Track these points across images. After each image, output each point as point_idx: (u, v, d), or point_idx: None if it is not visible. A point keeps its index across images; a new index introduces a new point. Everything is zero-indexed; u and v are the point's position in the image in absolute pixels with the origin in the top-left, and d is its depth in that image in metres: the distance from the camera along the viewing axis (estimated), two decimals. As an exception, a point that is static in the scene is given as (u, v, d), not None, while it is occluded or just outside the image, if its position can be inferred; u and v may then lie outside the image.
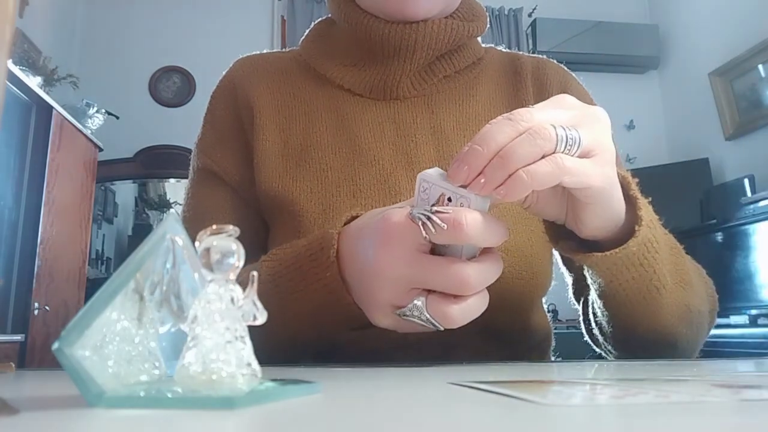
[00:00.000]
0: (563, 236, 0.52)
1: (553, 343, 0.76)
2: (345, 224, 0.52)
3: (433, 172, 0.43)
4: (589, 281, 0.56)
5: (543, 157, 0.40)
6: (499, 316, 0.63)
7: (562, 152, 0.41)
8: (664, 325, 0.57)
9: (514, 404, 0.25)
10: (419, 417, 0.23)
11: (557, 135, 0.40)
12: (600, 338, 0.66)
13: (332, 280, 0.49)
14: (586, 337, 0.71)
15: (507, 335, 0.65)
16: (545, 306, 0.75)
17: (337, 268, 0.49)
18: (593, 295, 0.59)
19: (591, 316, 0.66)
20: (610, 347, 0.65)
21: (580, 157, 0.42)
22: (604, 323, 0.61)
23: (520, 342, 0.68)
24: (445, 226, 0.40)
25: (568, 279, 0.74)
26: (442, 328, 0.44)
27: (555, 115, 0.42)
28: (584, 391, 0.27)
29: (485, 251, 0.44)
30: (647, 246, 0.50)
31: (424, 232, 0.41)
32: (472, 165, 0.40)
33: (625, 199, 0.49)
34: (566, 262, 0.74)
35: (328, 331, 0.56)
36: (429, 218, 0.41)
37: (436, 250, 0.44)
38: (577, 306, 0.73)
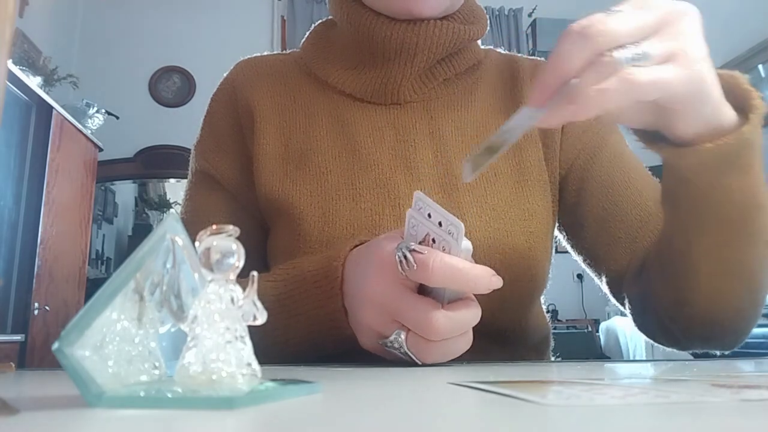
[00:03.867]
0: (654, 140, 0.49)
1: (553, 343, 0.76)
2: (351, 249, 0.54)
3: (423, 206, 0.45)
4: (669, 210, 0.53)
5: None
6: (499, 317, 0.63)
7: (630, 61, 0.39)
8: (754, 257, 0.53)
9: (514, 404, 0.25)
10: (419, 417, 0.23)
11: (620, 60, 0.39)
12: (664, 301, 0.62)
13: (334, 310, 0.52)
14: (637, 329, 0.69)
15: (506, 335, 0.65)
16: (545, 306, 0.75)
17: (341, 299, 0.52)
18: (673, 235, 0.55)
19: (644, 286, 0.62)
20: (679, 309, 0.60)
21: (660, 63, 0.40)
22: (681, 267, 0.57)
23: (520, 342, 0.68)
24: (415, 266, 0.43)
25: (601, 280, 0.73)
26: (420, 363, 0.46)
27: (626, 29, 0.40)
28: (584, 391, 0.27)
29: (466, 296, 0.45)
30: (756, 150, 0.46)
31: (399, 268, 0.44)
32: (544, 91, 0.40)
33: (734, 99, 0.46)
34: (597, 255, 0.72)
35: (327, 349, 0.57)
36: (405, 256, 0.43)
37: (423, 288, 0.46)
38: (616, 302, 0.72)
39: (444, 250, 0.43)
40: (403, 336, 0.45)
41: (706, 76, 0.43)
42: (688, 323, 0.62)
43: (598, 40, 0.39)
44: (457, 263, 0.42)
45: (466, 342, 0.46)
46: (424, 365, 0.49)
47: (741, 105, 0.47)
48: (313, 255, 0.59)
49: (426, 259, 0.42)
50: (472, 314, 0.45)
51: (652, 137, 0.50)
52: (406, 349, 0.45)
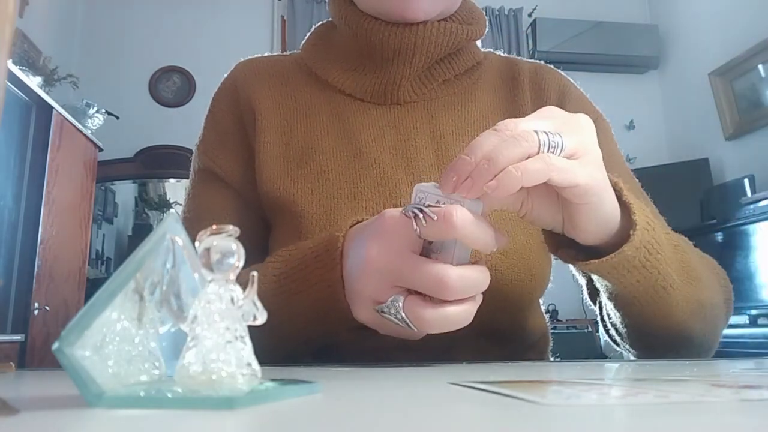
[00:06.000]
0: (563, 245, 0.52)
1: (551, 343, 0.76)
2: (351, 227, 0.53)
3: (430, 185, 0.44)
4: (597, 285, 0.57)
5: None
6: (498, 317, 0.63)
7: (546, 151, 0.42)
8: (677, 322, 0.58)
9: (514, 404, 0.25)
10: (419, 417, 0.23)
11: (539, 139, 0.42)
12: (617, 338, 0.67)
13: (334, 279, 0.50)
14: (605, 337, 0.72)
15: (505, 335, 0.65)
16: (545, 306, 0.75)
17: (340, 270, 0.50)
18: (603, 298, 0.60)
19: (606, 319, 0.67)
20: (628, 346, 0.66)
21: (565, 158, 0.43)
22: (618, 324, 0.62)
23: (518, 341, 0.68)
24: (435, 217, 0.41)
25: (582, 281, 0.74)
26: (415, 330, 0.44)
27: (539, 124, 0.44)
28: (584, 391, 0.27)
29: (474, 261, 0.44)
30: (647, 248, 0.51)
31: (415, 225, 0.42)
32: (459, 172, 0.41)
33: (620, 205, 0.50)
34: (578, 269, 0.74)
35: (328, 331, 0.56)
36: (421, 210, 0.42)
37: (428, 254, 0.44)
38: (593, 307, 0.74)
39: None
40: (400, 301, 0.43)
41: (603, 179, 0.46)
42: (636, 357, 0.67)
43: (516, 129, 0.43)
44: (477, 217, 0.42)
45: (467, 313, 0.44)
46: (422, 365, 0.49)
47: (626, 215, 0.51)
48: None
49: (448, 210, 0.41)
50: (483, 277, 0.44)
51: (555, 241, 0.53)
52: (402, 315, 0.43)
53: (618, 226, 0.49)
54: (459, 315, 0.43)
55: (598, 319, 0.72)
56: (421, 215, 0.42)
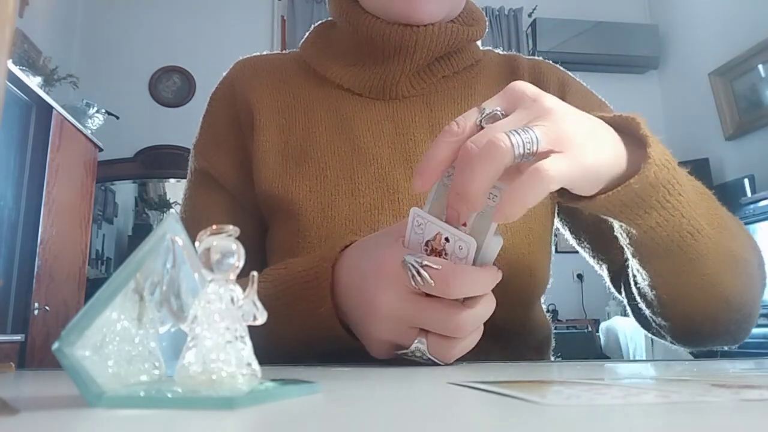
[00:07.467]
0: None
1: (553, 344, 0.76)
2: (341, 250, 0.53)
3: (423, 222, 0.44)
4: (622, 241, 0.55)
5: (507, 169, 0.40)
6: (499, 316, 0.63)
7: (523, 155, 0.39)
8: (708, 273, 0.54)
9: (514, 404, 0.25)
10: (419, 417, 0.23)
11: (513, 143, 0.38)
12: (647, 312, 0.64)
13: (326, 314, 0.51)
14: (636, 322, 0.70)
15: (506, 334, 0.65)
16: (545, 306, 0.75)
17: (331, 302, 0.51)
18: (631, 261, 0.57)
19: (634, 289, 0.63)
20: (659, 320, 0.63)
21: (545, 153, 0.40)
22: (647, 290, 0.59)
23: (521, 341, 0.68)
24: (433, 283, 0.42)
25: (602, 271, 0.75)
26: (443, 364, 0.47)
27: (505, 122, 0.41)
28: (584, 391, 0.27)
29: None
30: (666, 188, 0.47)
31: (412, 283, 0.43)
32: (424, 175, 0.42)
33: (638, 139, 0.47)
34: (597, 252, 0.74)
35: (320, 352, 0.57)
36: (418, 271, 0.42)
37: None
38: (618, 296, 0.73)
39: (461, 249, 0.42)
40: (424, 344, 0.45)
41: (591, 158, 0.42)
42: (671, 333, 0.65)
43: (464, 132, 0.42)
44: (473, 273, 0.43)
45: (478, 335, 0.47)
46: (428, 365, 0.49)
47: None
48: (307, 255, 0.58)
49: (445, 276, 0.42)
50: (490, 306, 0.46)
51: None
52: (429, 356, 0.46)
53: (622, 172, 0.46)
54: (473, 339, 0.47)
55: (626, 304, 0.70)
56: (418, 277, 0.42)
